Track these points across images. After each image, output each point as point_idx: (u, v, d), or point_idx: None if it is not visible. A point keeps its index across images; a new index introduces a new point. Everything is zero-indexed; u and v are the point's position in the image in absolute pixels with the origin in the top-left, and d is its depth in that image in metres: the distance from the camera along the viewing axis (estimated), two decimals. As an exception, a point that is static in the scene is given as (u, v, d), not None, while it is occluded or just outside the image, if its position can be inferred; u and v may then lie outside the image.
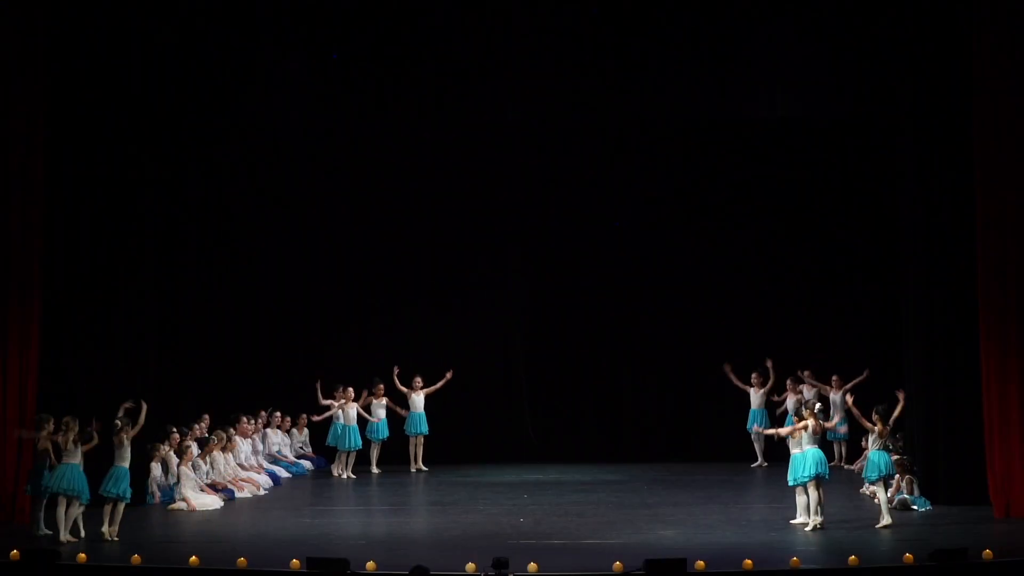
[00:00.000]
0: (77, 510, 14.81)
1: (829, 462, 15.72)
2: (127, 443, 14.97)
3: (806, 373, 20.73)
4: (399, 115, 21.57)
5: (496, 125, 21.86)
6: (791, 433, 15.53)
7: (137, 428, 15.18)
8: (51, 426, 15.00)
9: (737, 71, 21.03)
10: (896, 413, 15.88)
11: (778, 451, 18.59)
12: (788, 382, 20.81)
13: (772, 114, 21.31)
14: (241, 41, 20.38)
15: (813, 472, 15.13)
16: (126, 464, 14.94)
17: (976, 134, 16.35)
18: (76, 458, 14.72)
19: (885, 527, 15.09)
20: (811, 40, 20.42)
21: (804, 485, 15.28)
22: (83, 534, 14.81)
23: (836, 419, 19.74)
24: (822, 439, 15.96)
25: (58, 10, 16.83)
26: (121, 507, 14.88)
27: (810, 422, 15.32)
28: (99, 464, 15.17)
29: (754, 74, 21.01)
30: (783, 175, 22.05)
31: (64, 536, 14.56)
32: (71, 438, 14.74)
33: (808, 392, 20.52)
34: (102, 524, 14.72)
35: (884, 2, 18.36)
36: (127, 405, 15.31)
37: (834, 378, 20.56)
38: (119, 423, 14.98)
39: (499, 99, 21.41)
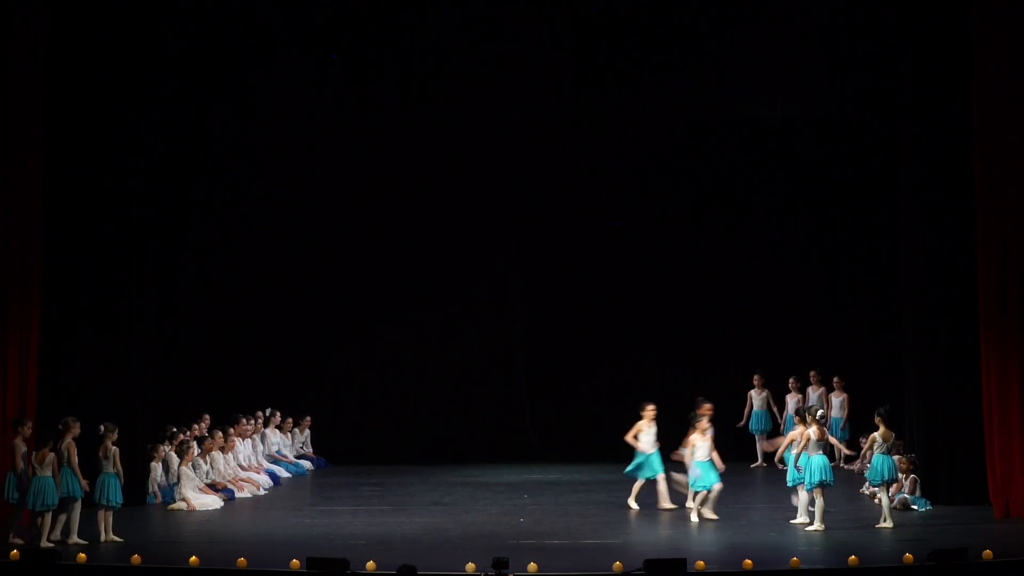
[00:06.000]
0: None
1: (830, 462, 15.69)
2: (112, 450, 14.85)
3: (812, 374, 20.78)
4: (399, 114, 21.62)
5: (496, 125, 21.87)
6: (793, 444, 15.58)
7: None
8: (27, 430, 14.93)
9: (737, 71, 21.07)
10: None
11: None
12: (790, 381, 20.82)
13: (772, 114, 21.33)
14: (241, 41, 20.40)
15: (818, 480, 15.11)
16: (112, 471, 14.78)
17: (976, 133, 16.35)
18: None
19: (889, 527, 15.09)
20: (811, 40, 20.45)
21: (809, 492, 15.29)
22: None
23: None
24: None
25: (59, 10, 16.83)
26: (111, 513, 14.79)
27: (813, 430, 15.30)
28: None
29: (754, 74, 21.04)
30: (783, 175, 22.06)
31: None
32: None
33: (813, 394, 20.53)
34: (100, 535, 14.64)
35: (883, 2, 18.37)
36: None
37: (835, 379, 20.56)
38: (103, 429, 14.89)
39: (499, 98, 21.44)
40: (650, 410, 16.82)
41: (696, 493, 15.99)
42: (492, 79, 21.26)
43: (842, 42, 20.10)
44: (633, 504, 16.69)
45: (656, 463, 16.67)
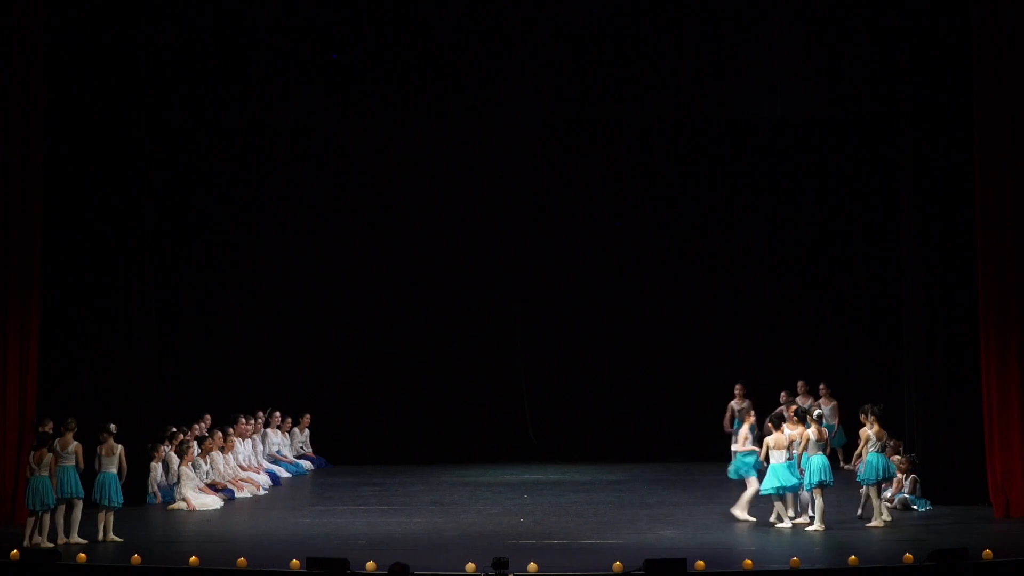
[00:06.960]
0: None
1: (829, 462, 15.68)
2: (118, 448, 14.88)
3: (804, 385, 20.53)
4: (399, 115, 21.62)
5: (496, 125, 21.88)
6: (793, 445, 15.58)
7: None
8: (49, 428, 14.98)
9: (737, 71, 21.07)
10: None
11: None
12: (782, 395, 20.65)
13: (772, 114, 21.34)
14: (241, 40, 20.39)
15: (817, 480, 15.11)
16: (114, 470, 14.84)
17: (976, 133, 16.35)
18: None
19: (879, 526, 15.10)
20: (811, 40, 20.45)
21: (809, 492, 15.29)
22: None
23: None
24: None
25: (59, 8, 16.84)
26: (112, 513, 14.82)
27: (812, 430, 15.30)
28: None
29: (754, 74, 21.03)
30: (783, 175, 22.06)
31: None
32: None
33: (804, 403, 20.41)
34: (99, 535, 14.68)
35: (883, 2, 18.37)
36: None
37: (821, 387, 20.32)
38: (112, 429, 14.88)
39: (499, 99, 21.45)
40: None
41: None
42: (492, 79, 21.27)
43: (842, 42, 20.09)
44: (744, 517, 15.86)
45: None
